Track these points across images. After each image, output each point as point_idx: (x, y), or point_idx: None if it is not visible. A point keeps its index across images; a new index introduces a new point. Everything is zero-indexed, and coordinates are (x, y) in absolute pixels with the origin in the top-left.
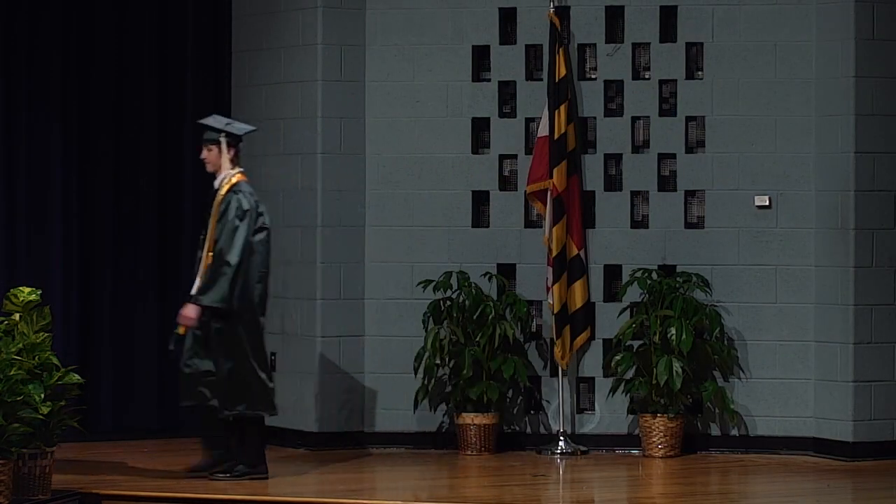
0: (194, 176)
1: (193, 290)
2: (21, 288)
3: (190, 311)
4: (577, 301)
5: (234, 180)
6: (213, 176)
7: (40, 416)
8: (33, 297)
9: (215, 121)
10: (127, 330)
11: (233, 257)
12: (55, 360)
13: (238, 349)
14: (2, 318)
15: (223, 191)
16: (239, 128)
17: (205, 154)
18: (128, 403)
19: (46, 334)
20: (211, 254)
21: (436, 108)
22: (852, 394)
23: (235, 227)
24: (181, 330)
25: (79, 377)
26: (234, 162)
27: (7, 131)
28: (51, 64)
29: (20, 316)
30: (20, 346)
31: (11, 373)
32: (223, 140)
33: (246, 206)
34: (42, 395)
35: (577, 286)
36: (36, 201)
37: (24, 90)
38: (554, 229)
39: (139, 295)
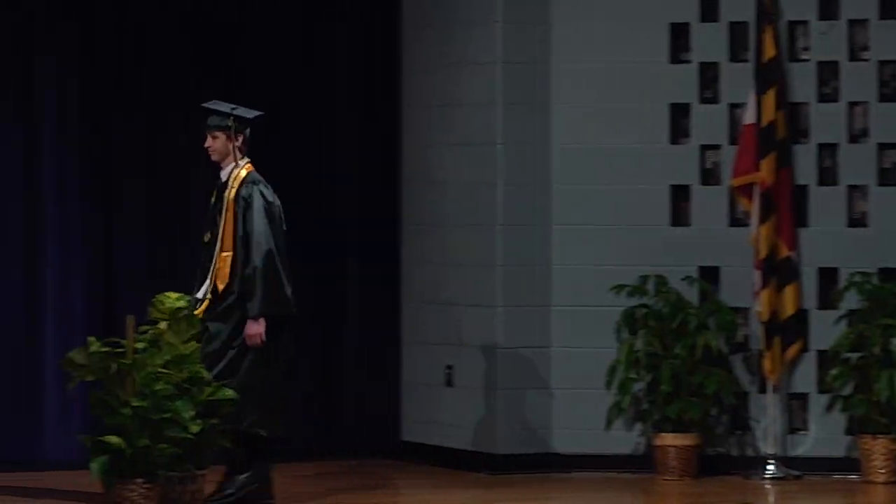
0: None
1: (201, 293)
2: (168, 294)
3: (256, 328)
4: (788, 308)
5: (244, 172)
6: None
7: (190, 436)
8: (181, 303)
9: (221, 105)
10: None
11: (275, 255)
12: (205, 374)
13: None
14: (147, 327)
15: (235, 184)
16: (247, 112)
17: (209, 142)
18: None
19: (196, 345)
20: (229, 254)
21: (629, 93)
22: None
23: (267, 223)
24: None
25: (232, 392)
26: (242, 150)
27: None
28: None
29: (167, 325)
30: (167, 357)
31: (158, 388)
32: (232, 126)
33: (270, 198)
34: (191, 413)
35: (788, 292)
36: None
37: None
38: (762, 228)
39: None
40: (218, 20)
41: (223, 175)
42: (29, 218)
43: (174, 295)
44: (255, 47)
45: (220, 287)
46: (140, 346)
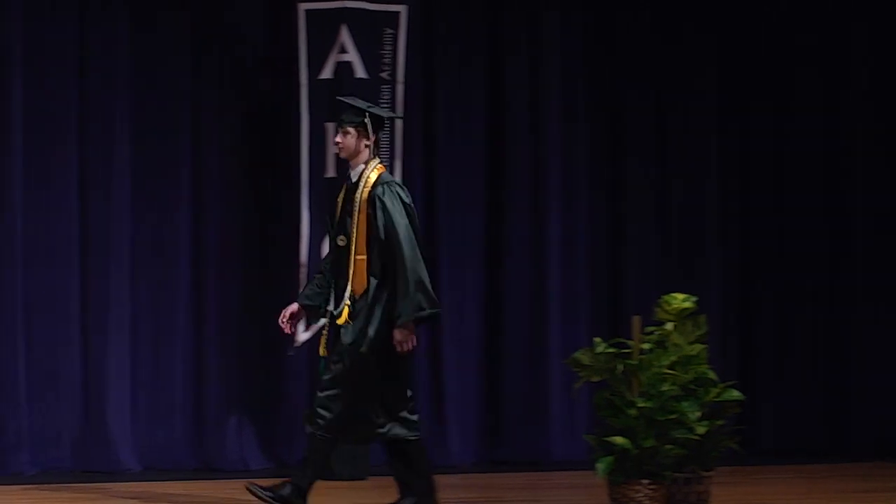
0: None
1: (341, 301)
2: (674, 294)
3: (405, 334)
4: None
5: (376, 173)
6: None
7: (695, 437)
8: (688, 304)
9: (358, 101)
10: (790, 340)
11: (419, 258)
12: (712, 375)
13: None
14: (653, 328)
15: (367, 185)
16: (382, 111)
17: (340, 138)
18: (791, 423)
19: (702, 346)
20: (363, 258)
21: None
22: None
23: (408, 223)
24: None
25: (739, 394)
26: (374, 151)
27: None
28: None
29: (673, 325)
30: (673, 358)
31: (664, 388)
32: (368, 122)
33: (407, 198)
34: (697, 414)
35: None
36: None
37: None
38: None
39: (801, 306)
40: None
41: (353, 175)
42: (535, 218)
43: (681, 296)
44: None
45: (358, 292)
46: (646, 346)
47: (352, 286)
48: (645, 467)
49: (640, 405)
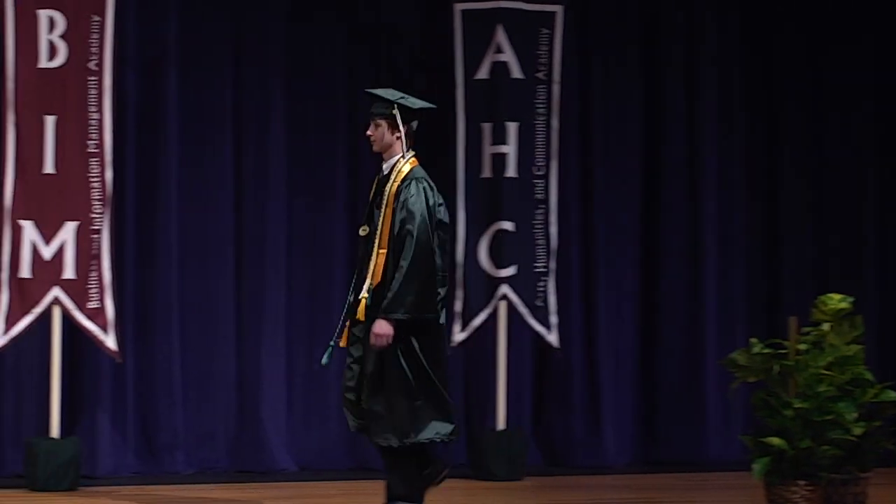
0: None
1: (359, 294)
2: (831, 295)
3: (382, 328)
4: None
5: (408, 166)
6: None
7: (852, 438)
8: (844, 304)
9: (388, 92)
10: None
11: (424, 257)
12: (869, 376)
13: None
14: (810, 329)
15: (397, 178)
16: (414, 102)
17: (371, 130)
18: None
19: (859, 347)
20: (384, 251)
21: None
22: None
23: (424, 222)
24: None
25: None
26: (406, 143)
27: None
28: None
29: (830, 326)
30: (830, 359)
31: (821, 389)
32: (397, 114)
33: (431, 196)
34: (854, 415)
35: None
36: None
37: None
38: None
39: None
40: None
41: (385, 168)
42: (691, 218)
43: (837, 296)
44: None
45: (376, 286)
46: (802, 347)
47: (371, 280)
48: (801, 468)
49: (797, 406)
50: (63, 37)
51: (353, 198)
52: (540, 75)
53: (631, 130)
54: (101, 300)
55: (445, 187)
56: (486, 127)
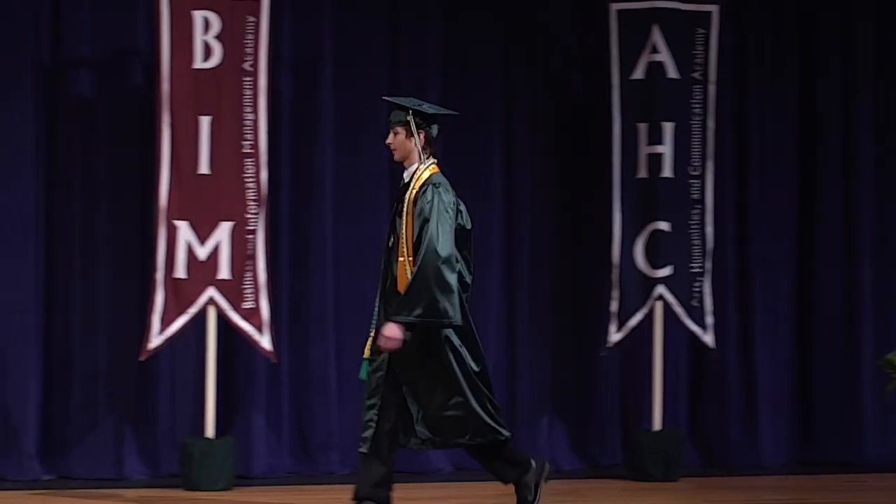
0: None
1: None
2: None
3: (391, 331)
4: None
5: (427, 173)
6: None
7: None
8: None
9: (405, 100)
10: None
11: (437, 263)
12: None
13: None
14: None
15: (416, 185)
16: (431, 108)
17: (390, 139)
18: None
19: None
20: (412, 259)
21: None
22: None
23: (439, 228)
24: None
25: None
26: (426, 151)
27: None
28: None
29: None
30: None
31: None
32: (412, 121)
33: (449, 203)
34: None
35: None
36: None
37: None
38: None
39: None
40: None
41: (406, 175)
42: (846, 219)
43: None
44: None
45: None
46: None
47: (398, 290)
48: None
49: None
50: (218, 37)
51: (508, 197)
52: (696, 75)
53: (786, 131)
54: (256, 300)
55: (601, 187)
56: (642, 127)
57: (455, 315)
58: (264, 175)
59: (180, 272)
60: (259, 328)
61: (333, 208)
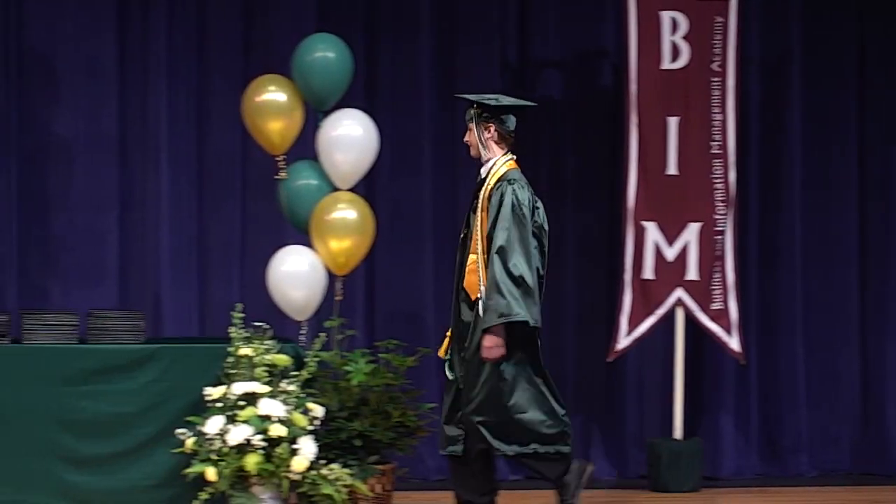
0: None
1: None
2: None
3: (490, 341)
4: None
5: (504, 168)
6: None
7: None
8: None
9: (478, 96)
10: None
11: (520, 263)
12: None
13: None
14: None
15: (491, 181)
16: (500, 100)
17: (467, 136)
18: None
19: None
20: (475, 257)
21: None
22: None
23: (513, 227)
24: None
25: None
26: (501, 145)
27: None
28: None
29: None
30: None
31: None
32: (474, 116)
33: (523, 200)
34: None
35: None
36: None
37: None
38: None
39: None
40: None
41: (482, 171)
42: None
43: None
44: None
45: (470, 294)
46: None
47: (465, 286)
48: None
49: None
50: (686, 38)
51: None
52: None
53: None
54: (725, 302)
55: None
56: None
57: (524, 313)
58: (732, 175)
59: (648, 273)
60: (727, 329)
61: (801, 207)
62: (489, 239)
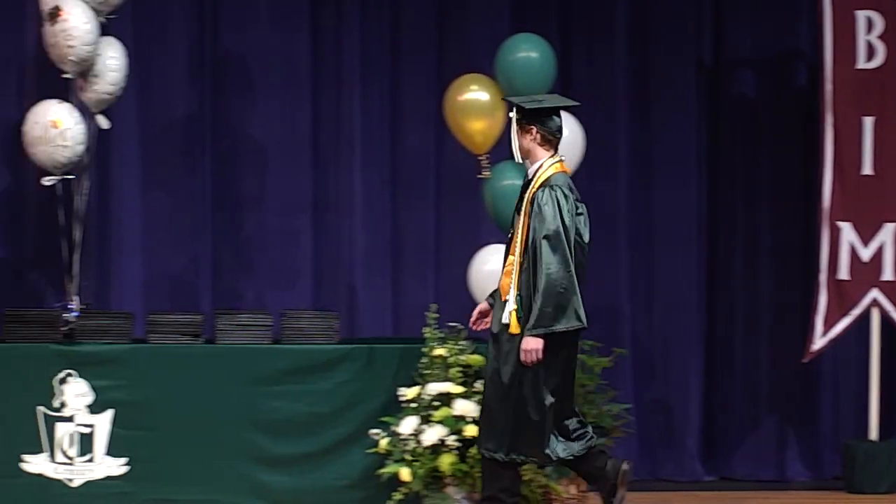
0: None
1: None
2: None
3: (529, 344)
4: None
5: (550, 171)
6: None
7: None
8: None
9: (520, 99)
10: None
11: (559, 267)
12: None
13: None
14: None
15: (536, 184)
16: (538, 101)
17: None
18: None
19: None
20: (513, 258)
21: None
22: None
23: (555, 230)
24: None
25: None
26: (546, 147)
27: None
28: None
29: None
30: None
31: None
32: (513, 118)
33: (566, 205)
34: None
35: None
36: None
37: None
38: None
39: None
40: None
41: (529, 173)
42: None
43: None
44: None
45: (504, 293)
46: None
47: (500, 286)
48: None
49: None
50: (881, 37)
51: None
52: None
53: None
54: None
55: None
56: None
57: (560, 321)
58: None
59: (843, 274)
60: None
61: None
62: (529, 244)
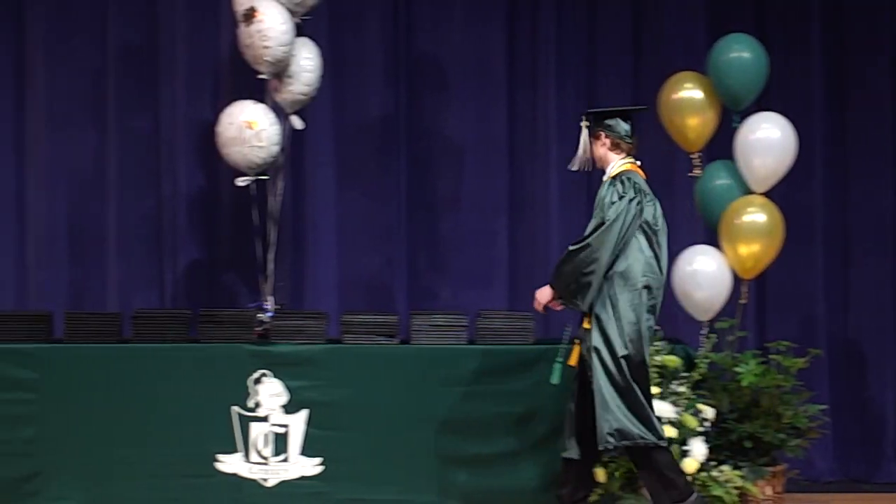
0: None
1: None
2: None
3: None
4: None
5: (617, 170)
6: None
7: None
8: None
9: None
10: None
11: (596, 251)
12: None
13: None
14: None
15: (605, 183)
16: (608, 109)
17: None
18: None
19: None
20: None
21: None
22: None
23: (612, 220)
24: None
25: None
26: (616, 151)
27: None
28: None
29: None
30: None
31: None
32: (583, 125)
33: (627, 195)
34: None
35: None
36: None
37: None
38: None
39: None
40: None
41: (604, 177)
42: None
43: None
44: None
45: None
46: None
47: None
48: None
49: None
50: None
51: None
52: None
53: None
54: None
55: None
56: None
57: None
58: None
59: None
60: None
61: None
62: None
